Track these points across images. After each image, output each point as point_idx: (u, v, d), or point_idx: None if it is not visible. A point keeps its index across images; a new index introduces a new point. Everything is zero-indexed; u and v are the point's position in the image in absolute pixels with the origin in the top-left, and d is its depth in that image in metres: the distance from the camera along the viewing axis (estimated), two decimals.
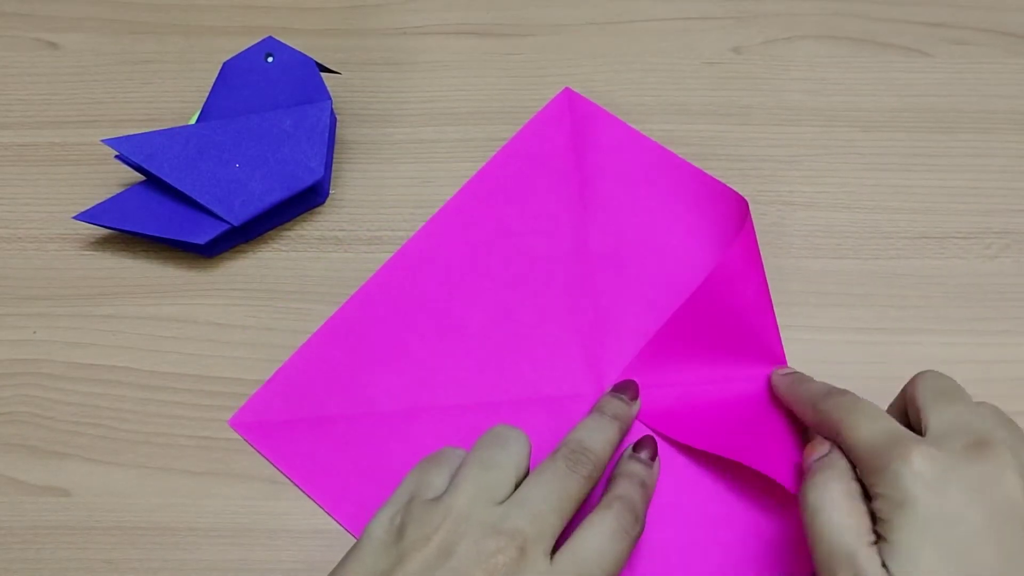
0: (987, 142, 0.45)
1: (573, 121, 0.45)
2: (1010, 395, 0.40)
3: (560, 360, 0.41)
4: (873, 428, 0.31)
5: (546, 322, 0.41)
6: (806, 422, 0.36)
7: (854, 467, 0.32)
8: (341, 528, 0.38)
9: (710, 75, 0.47)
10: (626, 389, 0.38)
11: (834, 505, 0.30)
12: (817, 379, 0.37)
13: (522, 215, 0.43)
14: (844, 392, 0.35)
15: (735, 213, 0.42)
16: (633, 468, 0.36)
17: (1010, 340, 0.41)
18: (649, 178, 0.44)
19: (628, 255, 0.42)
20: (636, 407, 0.38)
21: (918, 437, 0.30)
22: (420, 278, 0.42)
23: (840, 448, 0.33)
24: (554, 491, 0.32)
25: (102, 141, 0.42)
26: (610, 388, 0.39)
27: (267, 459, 0.39)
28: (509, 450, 0.33)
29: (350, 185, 0.45)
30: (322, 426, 0.40)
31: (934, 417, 0.31)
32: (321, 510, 0.39)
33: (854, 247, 0.43)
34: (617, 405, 0.37)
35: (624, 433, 0.37)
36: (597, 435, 0.35)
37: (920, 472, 0.29)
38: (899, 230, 0.44)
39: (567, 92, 0.46)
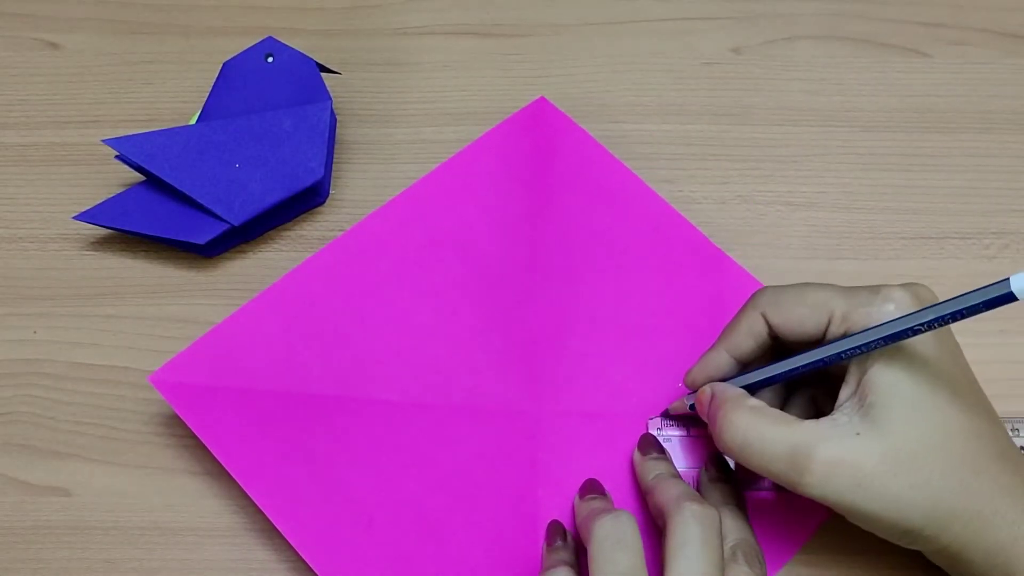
0: (986, 142, 0.45)
1: (544, 132, 0.44)
2: (1010, 395, 0.40)
3: (498, 372, 0.40)
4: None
5: (490, 330, 0.40)
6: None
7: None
8: None
9: (710, 75, 0.47)
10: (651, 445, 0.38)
11: (755, 426, 0.32)
12: None
13: (480, 217, 0.42)
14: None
15: (695, 251, 0.42)
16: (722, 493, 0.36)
17: (1009, 340, 0.41)
18: (611, 200, 0.43)
19: (579, 273, 0.42)
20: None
21: None
22: (371, 260, 0.41)
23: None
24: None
25: (102, 141, 0.42)
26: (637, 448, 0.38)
27: (185, 423, 0.38)
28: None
29: (350, 185, 0.45)
30: (246, 397, 0.38)
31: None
32: None
33: (853, 247, 0.43)
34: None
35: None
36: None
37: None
38: (897, 230, 0.44)
39: (541, 101, 0.45)
